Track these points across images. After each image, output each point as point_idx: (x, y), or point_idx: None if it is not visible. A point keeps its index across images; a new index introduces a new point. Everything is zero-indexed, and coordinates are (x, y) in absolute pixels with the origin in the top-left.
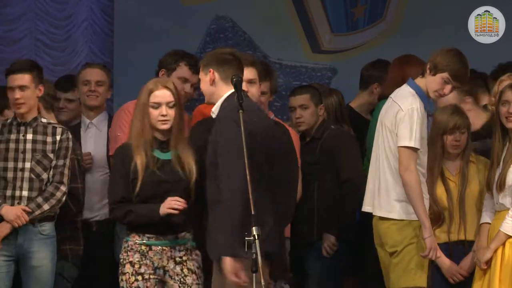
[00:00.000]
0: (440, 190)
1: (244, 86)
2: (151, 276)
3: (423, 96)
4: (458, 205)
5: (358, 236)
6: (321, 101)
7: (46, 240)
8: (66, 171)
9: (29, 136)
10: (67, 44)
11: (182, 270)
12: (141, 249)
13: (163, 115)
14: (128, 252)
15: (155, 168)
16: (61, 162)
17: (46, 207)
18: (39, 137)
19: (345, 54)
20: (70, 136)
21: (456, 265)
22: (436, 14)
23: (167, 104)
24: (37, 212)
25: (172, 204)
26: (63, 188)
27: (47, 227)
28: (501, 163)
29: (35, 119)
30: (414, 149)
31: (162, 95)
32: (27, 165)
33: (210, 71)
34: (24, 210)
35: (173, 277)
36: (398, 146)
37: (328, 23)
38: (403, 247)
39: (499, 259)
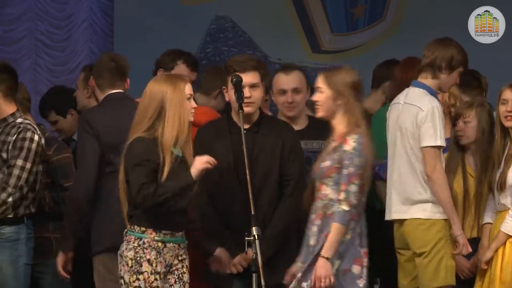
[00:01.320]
0: (457, 185)
1: (247, 91)
2: (163, 275)
3: (435, 95)
4: (475, 201)
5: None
6: None
7: (5, 243)
8: (16, 172)
9: None
10: (67, 44)
11: (182, 267)
12: (157, 246)
13: (193, 108)
14: (145, 250)
15: (182, 166)
16: (12, 162)
17: None
18: (2, 138)
19: (345, 54)
20: (31, 136)
21: (466, 260)
22: (436, 14)
23: (192, 97)
24: None
25: (206, 159)
26: (10, 190)
27: (6, 231)
28: (502, 163)
29: (4, 120)
30: (439, 148)
31: (191, 88)
32: None
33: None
34: None
35: (173, 272)
36: (423, 147)
37: (328, 23)
38: (431, 247)
39: (499, 259)
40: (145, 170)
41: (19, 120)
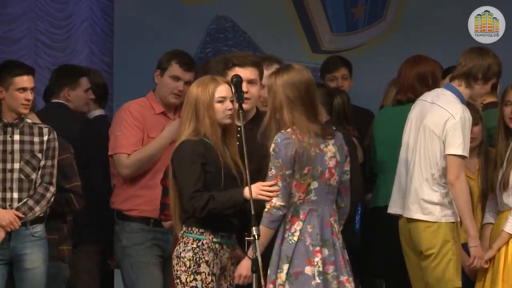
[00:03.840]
0: None
1: (245, 86)
2: (219, 276)
3: (464, 103)
4: (480, 203)
5: (361, 238)
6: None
7: (38, 242)
8: (54, 172)
9: (17, 137)
10: (67, 44)
11: (233, 271)
12: (214, 248)
13: (229, 109)
14: (204, 251)
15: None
16: (49, 162)
17: (37, 209)
18: (26, 138)
19: (345, 54)
20: (56, 136)
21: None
22: (436, 14)
23: (230, 98)
24: (29, 215)
25: (266, 189)
26: (52, 189)
27: (39, 229)
28: (505, 163)
29: (21, 119)
30: (464, 158)
31: (227, 90)
32: (16, 165)
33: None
34: (17, 216)
35: (226, 277)
36: (449, 154)
37: (328, 23)
38: (438, 249)
39: (502, 259)
40: (198, 173)
41: (29, 120)
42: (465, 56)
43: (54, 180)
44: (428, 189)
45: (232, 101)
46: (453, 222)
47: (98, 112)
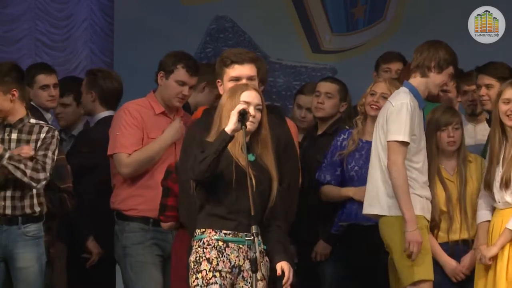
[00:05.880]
0: (439, 191)
1: (245, 82)
2: (228, 275)
3: (417, 94)
4: (459, 205)
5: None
6: (346, 99)
7: (31, 241)
8: (48, 161)
9: (14, 136)
10: (67, 44)
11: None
12: (218, 245)
13: (251, 116)
14: (204, 249)
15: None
16: (41, 152)
17: (21, 167)
18: (24, 136)
19: (345, 54)
20: (56, 134)
21: (458, 263)
22: (436, 14)
23: (256, 106)
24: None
25: (237, 109)
26: (48, 168)
27: (32, 228)
28: (501, 161)
29: (21, 120)
30: (403, 143)
31: (253, 96)
32: None
33: None
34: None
35: (246, 279)
36: (387, 141)
37: (328, 23)
38: (398, 242)
39: (505, 258)
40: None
41: (32, 120)
42: (417, 50)
43: (47, 167)
44: (384, 183)
45: (258, 110)
46: None
47: (107, 113)
